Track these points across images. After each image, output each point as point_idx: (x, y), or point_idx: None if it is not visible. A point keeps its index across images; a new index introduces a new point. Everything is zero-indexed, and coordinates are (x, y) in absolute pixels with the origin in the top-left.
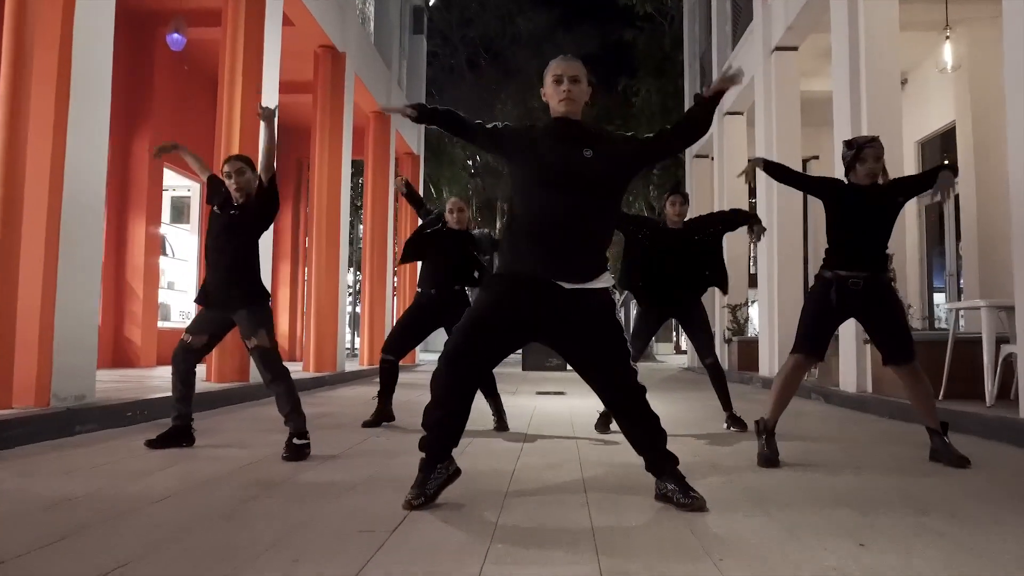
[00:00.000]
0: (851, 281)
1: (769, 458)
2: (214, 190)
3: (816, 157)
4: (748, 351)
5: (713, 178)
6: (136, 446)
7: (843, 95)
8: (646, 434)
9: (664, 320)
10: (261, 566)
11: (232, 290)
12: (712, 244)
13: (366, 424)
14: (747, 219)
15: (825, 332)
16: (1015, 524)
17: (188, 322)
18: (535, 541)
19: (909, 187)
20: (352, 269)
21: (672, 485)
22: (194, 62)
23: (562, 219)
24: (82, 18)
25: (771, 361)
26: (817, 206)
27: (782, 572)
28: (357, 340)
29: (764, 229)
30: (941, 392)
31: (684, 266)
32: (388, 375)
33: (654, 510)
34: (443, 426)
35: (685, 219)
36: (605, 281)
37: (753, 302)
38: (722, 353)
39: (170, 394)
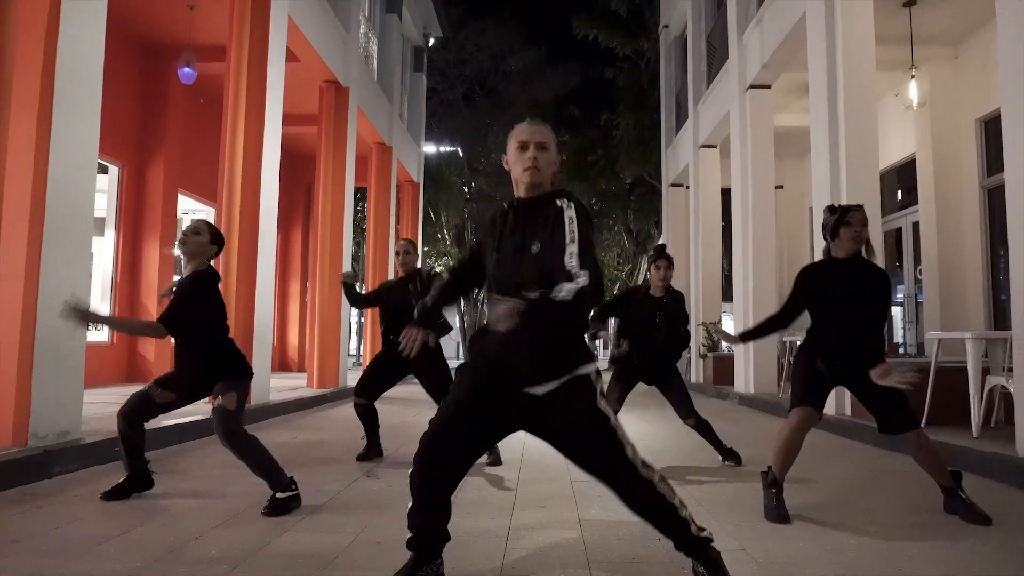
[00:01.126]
0: (843, 368)
1: (779, 513)
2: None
3: (781, 187)
4: (723, 366)
5: (688, 206)
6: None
7: (821, 129)
8: (663, 526)
9: (636, 383)
10: None
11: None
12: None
13: (360, 458)
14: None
15: (820, 390)
16: None
17: None
18: None
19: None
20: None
21: (701, 569)
22: (207, 94)
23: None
24: (68, 27)
25: (746, 376)
26: (790, 230)
27: None
28: (361, 350)
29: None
30: (924, 418)
31: (662, 335)
32: (366, 417)
33: None
34: (429, 528)
35: (670, 283)
36: (581, 372)
37: (724, 313)
38: (697, 368)
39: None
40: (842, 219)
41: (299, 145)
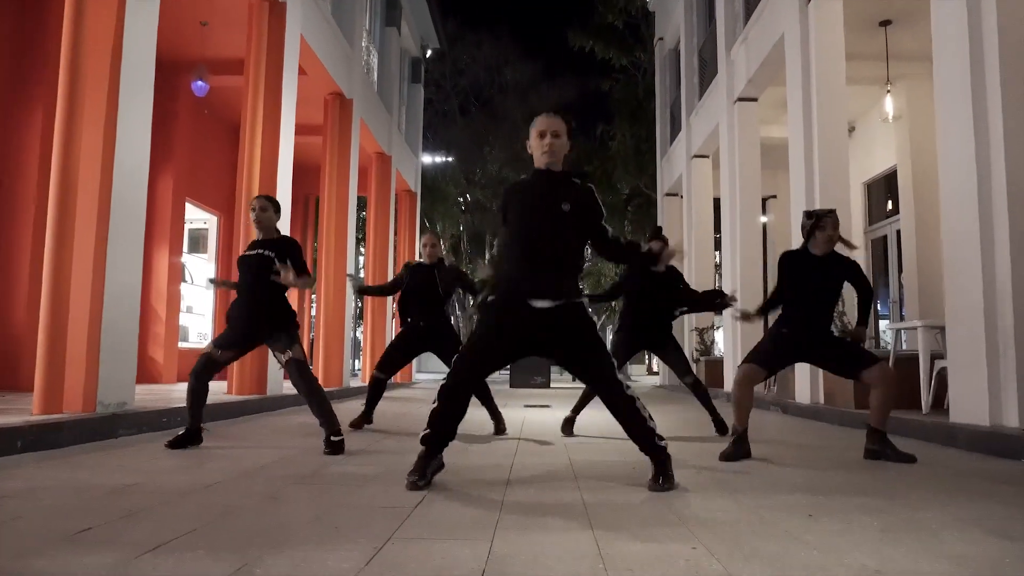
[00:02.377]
0: (804, 337)
1: (731, 455)
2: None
3: (774, 196)
4: (714, 369)
5: (682, 214)
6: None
7: (798, 141)
8: (637, 432)
9: (637, 350)
10: (307, 535)
11: (262, 319)
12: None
13: (352, 424)
14: (714, 302)
15: (779, 360)
16: (942, 502)
17: (205, 342)
18: (536, 515)
19: (854, 279)
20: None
21: (659, 477)
22: (213, 108)
23: (536, 248)
24: (131, 20)
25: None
26: (783, 239)
27: (747, 540)
28: (358, 362)
29: (734, 300)
30: None
31: (660, 308)
32: (374, 388)
33: (636, 493)
34: (445, 426)
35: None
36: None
37: (718, 327)
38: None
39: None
40: (816, 224)
41: (302, 156)
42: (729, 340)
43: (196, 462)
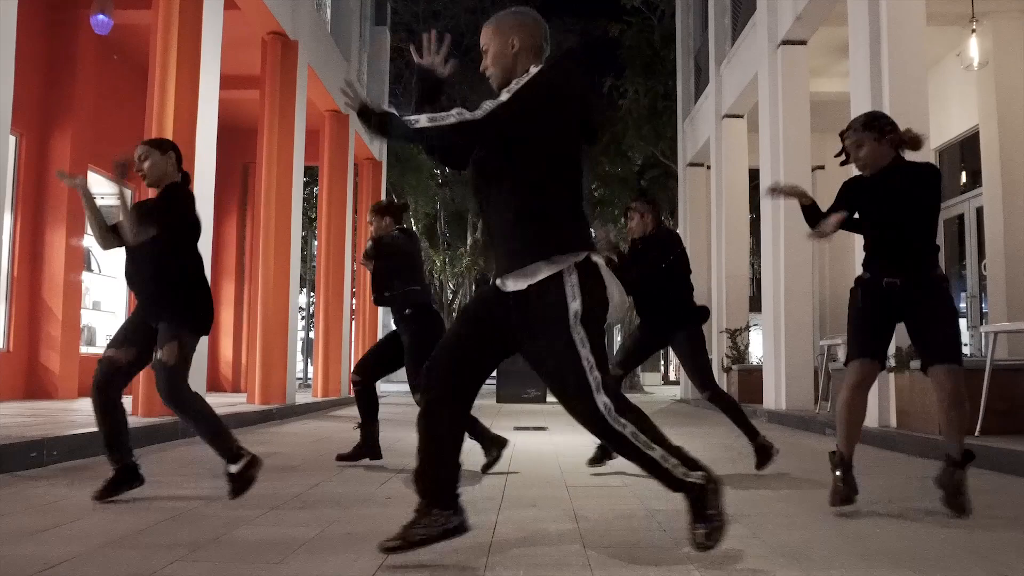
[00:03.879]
0: (886, 282)
1: (845, 495)
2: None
3: (822, 167)
4: (750, 380)
5: (710, 189)
6: (35, 494)
7: (863, 95)
8: (641, 466)
9: (655, 346)
10: None
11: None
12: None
13: (341, 457)
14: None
15: (878, 333)
16: None
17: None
18: None
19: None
20: (305, 289)
21: (690, 516)
22: (123, 50)
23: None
24: None
25: (776, 392)
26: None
27: None
28: (311, 369)
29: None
30: (978, 427)
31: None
32: (362, 399)
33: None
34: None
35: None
36: (542, 272)
37: (755, 325)
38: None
39: (94, 429)
40: (842, 137)
41: (235, 115)
42: (770, 343)
43: (56, 520)
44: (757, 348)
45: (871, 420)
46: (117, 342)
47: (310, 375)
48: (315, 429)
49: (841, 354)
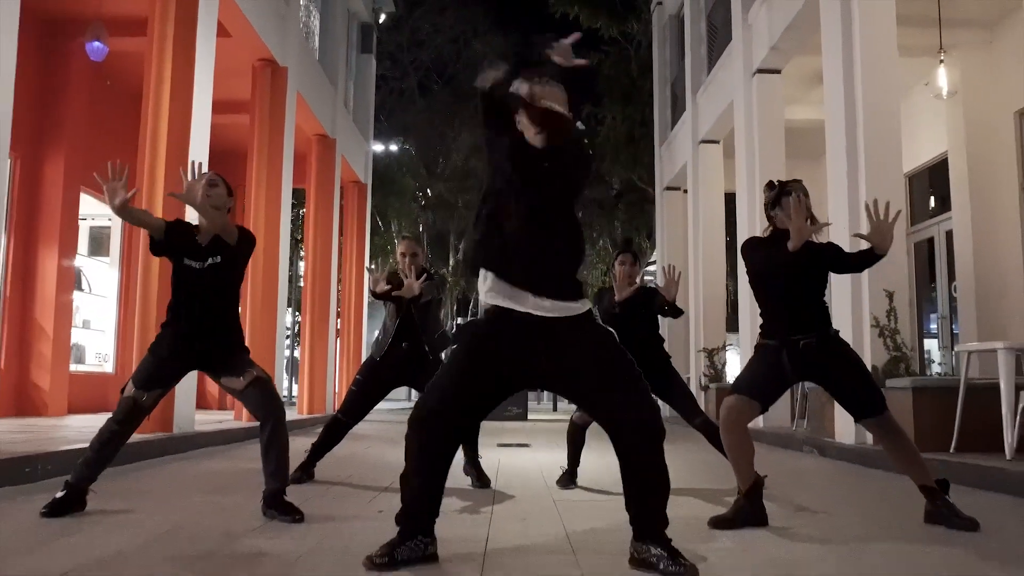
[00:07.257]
0: (803, 343)
1: (729, 520)
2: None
3: None
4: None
5: (687, 212)
6: (32, 510)
7: (837, 123)
8: (644, 485)
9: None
10: None
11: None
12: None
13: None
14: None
15: (773, 388)
16: None
17: (106, 365)
18: None
19: (835, 259)
20: (291, 309)
21: (657, 550)
22: (116, 76)
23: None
24: None
25: None
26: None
27: None
28: (295, 387)
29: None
30: (952, 444)
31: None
32: (336, 436)
33: None
34: (421, 499)
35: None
36: (583, 307)
37: (731, 345)
38: (698, 401)
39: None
40: (782, 191)
41: (225, 139)
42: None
43: (49, 535)
44: (734, 367)
45: (845, 436)
46: (144, 383)
47: (295, 393)
48: (301, 446)
49: None
